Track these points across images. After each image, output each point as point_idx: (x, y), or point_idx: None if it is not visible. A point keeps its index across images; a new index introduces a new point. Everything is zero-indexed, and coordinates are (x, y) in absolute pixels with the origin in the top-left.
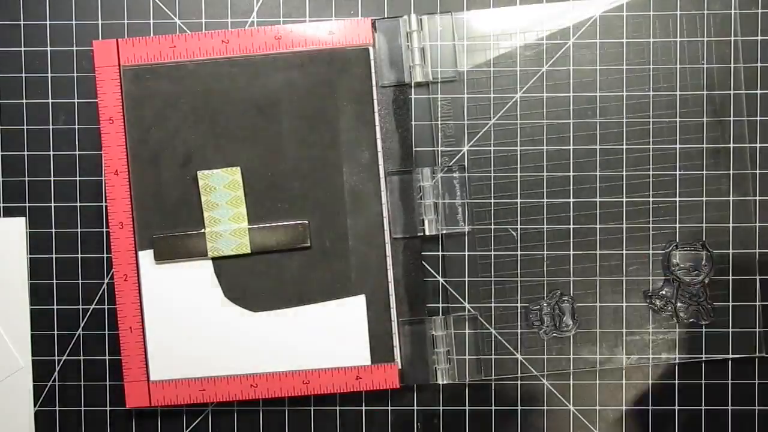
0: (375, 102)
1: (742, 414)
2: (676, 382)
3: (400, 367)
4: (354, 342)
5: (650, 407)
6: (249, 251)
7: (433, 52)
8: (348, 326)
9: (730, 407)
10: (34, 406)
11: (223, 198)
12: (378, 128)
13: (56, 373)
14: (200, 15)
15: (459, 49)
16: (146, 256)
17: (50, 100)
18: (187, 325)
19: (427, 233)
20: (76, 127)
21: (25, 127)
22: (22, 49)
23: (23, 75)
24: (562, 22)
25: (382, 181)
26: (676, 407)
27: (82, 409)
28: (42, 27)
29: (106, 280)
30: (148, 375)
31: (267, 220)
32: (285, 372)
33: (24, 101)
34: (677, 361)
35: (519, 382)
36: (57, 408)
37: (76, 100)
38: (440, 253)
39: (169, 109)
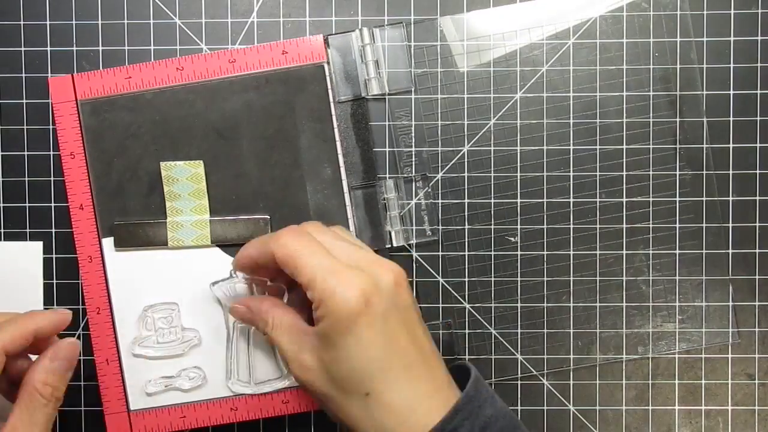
0: (334, 118)
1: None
2: (676, 382)
3: None
4: None
5: (650, 407)
6: (209, 243)
7: (390, 63)
8: None
9: (730, 407)
10: None
11: (186, 189)
12: (339, 144)
13: None
14: (200, 15)
15: (457, 50)
16: (116, 284)
17: (50, 101)
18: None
19: (394, 245)
20: None
21: (25, 127)
22: (22, 49)
23: (23, 75)
24: (562, 22)
25: (347, 195)
26: (677, 407)
27: (82, 409)
28: (42, 27)
29: None
30: (127, 405)
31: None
32: (264, 393)
33: (24, 101)
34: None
35: (519, 382)
36: None
37: None
38: (440, 253)
39: (129, 140)
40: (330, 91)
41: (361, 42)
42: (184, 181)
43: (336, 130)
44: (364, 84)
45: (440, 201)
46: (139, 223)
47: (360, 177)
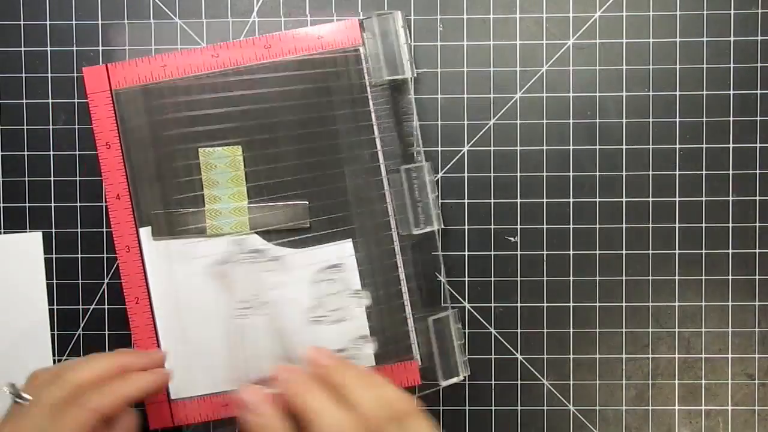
0: (370, 101)
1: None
2: (676, 382)
3: (420, 364)
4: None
5: (650, 407)
6: (248, 230)
7: (387, 51)
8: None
9: (730, 407)
10: None
11: (224, 176)
12: (375, 127)
13: None
14: (200, 15)
15: (457, 49)
16: (154, 274)
17: (50, 100)
18: (202, 336)
19: (435, 227)
20: (76, 127)
21: (25, 127)
22: (22, 49)
23: (23, 75)
24: (562, 22)
25: (385, 180)
26: (677, 407)
27: None
28: (42, 27)
29: (106, 280)
30: (168, 395)
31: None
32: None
33: (24, 101)
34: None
35: (519, 382)
36: None
37: (76, 100)
38: (440, 253)
39: (165, 128)
40: (366, 75)
41: (396, 25)
42: (223, 168)
43: (373, 114)
44: (400, 66)
45: (440, 201)
46: (177, 212)
47: (398, 160)
